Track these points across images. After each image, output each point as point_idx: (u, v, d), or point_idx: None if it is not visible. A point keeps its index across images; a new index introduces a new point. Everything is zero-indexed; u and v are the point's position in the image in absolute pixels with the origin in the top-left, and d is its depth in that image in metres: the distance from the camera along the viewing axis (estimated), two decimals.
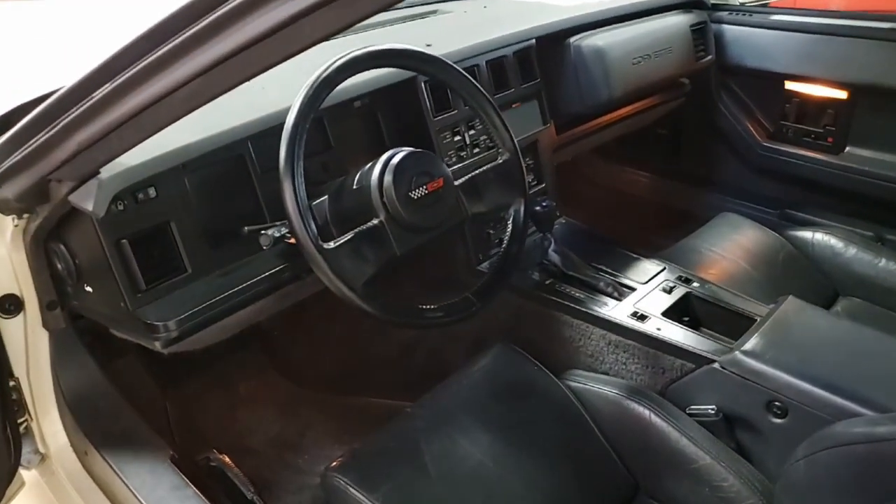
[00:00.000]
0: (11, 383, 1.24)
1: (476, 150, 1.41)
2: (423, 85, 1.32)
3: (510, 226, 1.13)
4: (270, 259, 1.11)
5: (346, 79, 0.99)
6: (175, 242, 1.05)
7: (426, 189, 1.01)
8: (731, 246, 1.63)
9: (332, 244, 0.94)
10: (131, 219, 1.00)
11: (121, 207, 0.98)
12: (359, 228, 0.98)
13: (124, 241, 0.99)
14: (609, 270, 1.39)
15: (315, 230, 0.92)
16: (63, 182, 0.89)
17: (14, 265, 1.14)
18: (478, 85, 1.12)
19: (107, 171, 0.89)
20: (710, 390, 1.13)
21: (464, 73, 1.11)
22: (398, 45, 1.04)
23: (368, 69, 1.02)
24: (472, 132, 1.40)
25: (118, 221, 0.98)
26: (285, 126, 0.93)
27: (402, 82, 1.30)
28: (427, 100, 1.32)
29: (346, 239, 0.95)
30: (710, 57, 1.79)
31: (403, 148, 1.05)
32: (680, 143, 2.06)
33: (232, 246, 1.11)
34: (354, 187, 1.04)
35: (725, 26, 1.82)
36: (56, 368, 1.23)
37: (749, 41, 1.79)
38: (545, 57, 1.53)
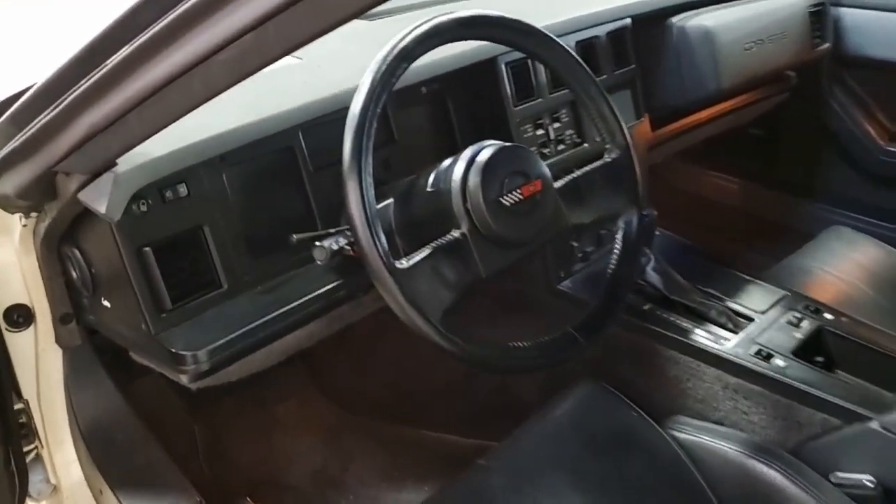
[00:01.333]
0: (19, 406, 1.07)
1: (561, 146, 1.19)
2: (504, 67, 1.11)
3: (619, 241, 0.91)
4: (322, 273, 0.91)
5: (425, 52, 0.78)
6: (209, 251, 0.86)
7: (520, 193, 0.80)
8: (850, 267, 1.38)
9: (405, 262, 0.73)
10: (156, 222, 0.81)
11: (143, 208, 0.79)
12: (436, 242, 0.77)
13: (147, 248, 0.80)
14: (718, 295, 1.17)
15: (385, 244, 0.71)
16: (72, 175, 0.71)
17: (24, 271, 0.98)
18: (585, 66, 0.91)
19: (125, 163, 0.71)
20: (865, 455, 0.90)
21: (569, 49, 0.89)
22: (491, 11, 0.83)
23: (452, 41, 0.82)
24: (556, 125, 1.19)
25: (140, 225, 0.80)
26: (351, 111, 0.73)
27: (479, 64, 1.09)
28: (508, 85, 1.11)
29: (422, 256, 0.75)
30: (826, 45, 1.54)
31: (491, 141, 0.84)
32: (778, 145, 1.81)
33: (276, 256, 0.92)
34: (429, 190, 0.84)
35: (844, 9, 1.56)
36: (70, 391, 1.06)
37: (874, 27, 1.54)
38: (642, 39, 1.31)
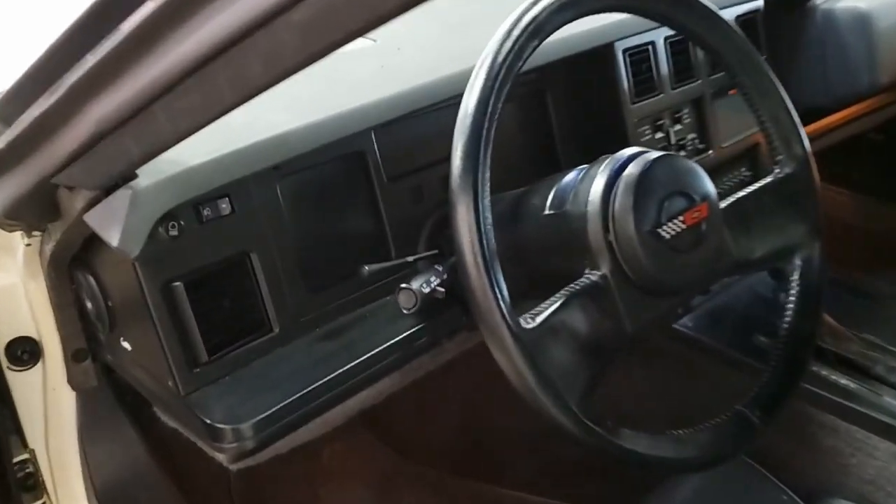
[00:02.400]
0: (23, 457, 0.90)
1: (682, 152, 0.97)
2: (621, 56, 0.89)
3: (796, 285, 0.68)
4: (398, 314, 0.70)
5: (558, 28, 0.57)
6: (256, 285, 0.66)
7: (682, 222, 0.59)
8: None
9: (531, 321, 0.52)
10: (190, 248, 0.62)
11: (174, 231, 0.59)
12: (569, 289, 0.56)
13: (177, 283, 0.61)
14: (879, 343, 0.93)
15: (507, 296, 0.51)
16: (77, 191, 0.51)
17: (30, 298, 0.80)
18: (757, 52, 0.69)
19: (149, 176, 0.51)
20: None
21: (738, 30, 0.67)
22: None
23: (593, 12, 0.61)
24: (677, 127, 0.97)
25: (169, 253, 0.61)
26: (464, 105, 0.52)
27: (591, 51, 0.88)
28: (626, 78, 0.90)
29: (552, 310, 0.54)
30: None
31: (638, 149, 0.63)
32: None
33: (340, 291, 0.73)
34: (548, 213, 0.63)
35: None
36: (84, 441, 0.88)
37: None
38: (774, 26, 1.08)
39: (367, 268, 0.68)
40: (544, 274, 0.64)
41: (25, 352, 0.83)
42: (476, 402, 1.22)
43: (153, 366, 0.66)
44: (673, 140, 0.96)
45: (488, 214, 0.51)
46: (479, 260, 0.50)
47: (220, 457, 0.62)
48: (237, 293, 0.65)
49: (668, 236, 0.58)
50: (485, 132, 0.51)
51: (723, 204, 0.66)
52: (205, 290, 0.63)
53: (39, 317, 0.81)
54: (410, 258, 0.72)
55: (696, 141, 0.99)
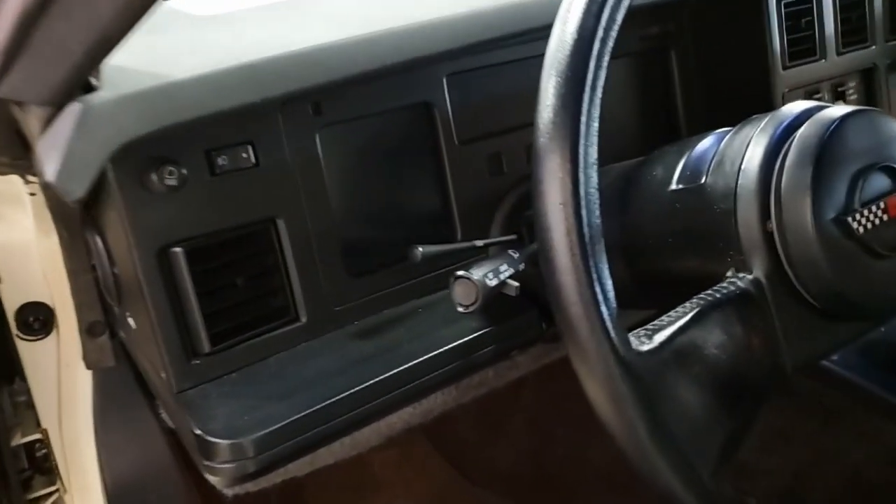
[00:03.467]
0: (35, 436, 0.80)
1: None
2: (775, 5, 0.69)
3: None
4: (457, 312, 0.54)
5: None
6: (282, 261, 0.52)
7: (883, 210, 0.39)
8: None
9: (646, 342, 0.35)
10: (196, 206, 0.48)
11: (172, 181, 0.45)
12: (705, 297, 0.38)
13: (176, 249, 0.47)
14: None
15: (615, 305, 0.33)
16: (27, 107, 0.38)
17: (43, 259, 0.70)
18: None
19: (115, 86, 0.36)
20: None
21: None
22: None
23: None
24: (840, 104, 0.76)
25: (167, 209, 0.47)
26: (564, 13, 0.35)
27: None
28: (779, 36, 0.70)
29: (678, 326, 0.36)
30: None
31: (814, 103, 0.43)
32: None
33: (387, 276, 0.58)
34: (675, 188, 0.45)
35: None
36: (100, 429, 0.77)
37: None
38: None
39: (421, 249, 0.52)
40: (662, 274, 0.47)
41: (38, 319, 0.74)
42: (552, 424, 1.05)
43: (150, 351, 0.53)
44: None
45: (593, 172, 0.34)
46: (574, 238, 0.33)
47: (213, 479, 0.48)
48: (256, 269, 0.51)
49: (860, 230, 0.38)
50: (595, 51, 0.34)
51: None
52: (213, 262, 0.49)
53: (53, 281, 0.71)
54: (479, 242, 0.56)
55: None
